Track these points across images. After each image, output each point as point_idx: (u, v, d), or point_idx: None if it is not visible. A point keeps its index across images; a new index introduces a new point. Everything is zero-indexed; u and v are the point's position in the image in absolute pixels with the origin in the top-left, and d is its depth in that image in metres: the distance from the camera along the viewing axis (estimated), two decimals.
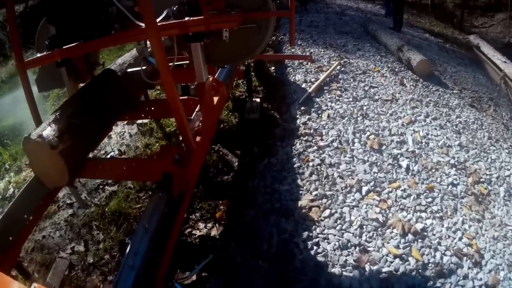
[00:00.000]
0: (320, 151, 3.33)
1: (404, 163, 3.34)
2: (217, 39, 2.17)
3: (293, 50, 6.10)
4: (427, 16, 14.03)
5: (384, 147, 3.49)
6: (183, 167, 1.88)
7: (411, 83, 5.11)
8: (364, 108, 4.12)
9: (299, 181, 3.05)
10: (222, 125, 3.89)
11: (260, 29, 2.32)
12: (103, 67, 2.69)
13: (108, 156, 3.83)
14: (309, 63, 5.42)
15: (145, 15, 1.61)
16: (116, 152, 3.90)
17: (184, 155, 1.93)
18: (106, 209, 3.02)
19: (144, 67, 2.17)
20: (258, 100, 4.13)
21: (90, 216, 3.02)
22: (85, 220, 3.00)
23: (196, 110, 2.47)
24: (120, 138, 4.13)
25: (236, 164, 3.44)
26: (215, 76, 2.98)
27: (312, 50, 6.05)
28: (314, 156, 3.26)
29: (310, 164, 3.19)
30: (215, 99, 2.55)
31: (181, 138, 2.07)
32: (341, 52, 6.14)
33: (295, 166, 3.19)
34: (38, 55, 2.18)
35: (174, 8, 1.99)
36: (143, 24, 1.83)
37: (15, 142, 4.73)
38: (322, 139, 3.49)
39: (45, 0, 2.05)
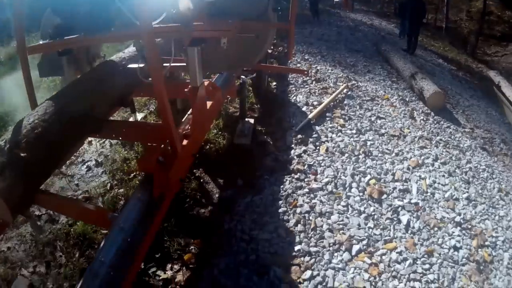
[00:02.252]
0: (311, 195, 2.79)
1: (404, 218, 2.81)
2: (214, 46, 2.14)
3: (299, 65, 5.55)
4: (440, 39, 13.37)
5: (384, 196, 2.95)
6: (166, 169, 1.78)
7: (422, 117, 4.55)
8: (368, 143, 3.57)
9: (281, 230, 2.52)
10: (208, 146, 3.37)
11: (259, 39, 2.26)
12: (104, 59, 2.55)
13: (85, 166, 3.37)
14: (314, 82, 4.87)
15: (139, 15, 1.55)
16: (93, 162, 3.42)
17: (169, 158, 1.83)
18: (72, 230, 2.62)
19: (142, 65, 2.04)
20: (251, 121, 3.61)
21: (55, 235, 2.63)
22: (49, 239, 2.62)
23: (188, 113, 2.34)
24: (100, 146, 3.63)
25: (217, 196, 2.92)
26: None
27: (319, 68, 5.49)
28: (303, 201, 2.73)
29: (298, 210, 2.65)
30: (209, 103, 2.41)
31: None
32: (349, 73, 5.58)
33: (280, 210, 2.66)
34: (41, 42, 2.09)
35: (174, 12, 1.88)
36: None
37: None
38: (315, 179, 2.94)
39: None
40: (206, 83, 2.40)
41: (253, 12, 2.17)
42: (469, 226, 2.95)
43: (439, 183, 3.34)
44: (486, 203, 3.33)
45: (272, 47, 5.75)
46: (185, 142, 2.05)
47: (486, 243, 2.86)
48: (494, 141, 4.85)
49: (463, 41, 15.20)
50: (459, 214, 3.04)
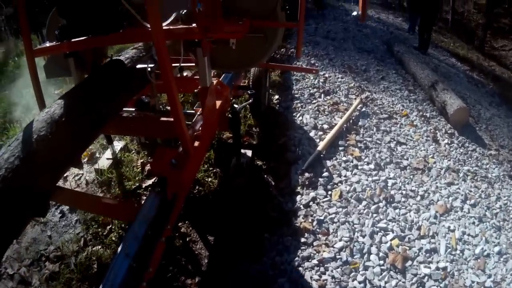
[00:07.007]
0: (322, 269, 2.15)
1: None
2: (223, 45, 2.09)
3: None
4: (448, 33, 12.46)
5: (409, 262, 2.32)
6: (179, 171, 1.71)
7: (446, 140, 3.86)
8: (389, 183, 2.90)
9: None
10: (196, 189, 2.72)
11: (267, 38, 2.20)
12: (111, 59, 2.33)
13: (58, 211, 2.72)
14: (322, 95, 4.16)
15: (151, 18, 1.39)
16: (68, 207, 2.77)
17: (181, 159, 1.75)
18: None
19: (151, 65, 1.91)
20: (249, 153, 2.93)
21: None
22: None
23: (198, 114, 2.26)
24: (76, 184, 2.96)
25: (206, 261, 2.29)
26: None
27: (327, 75, 4.76)
28: (311, 278, 2.08)
29: None
30: (218, 103, 2.32)
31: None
32: (361, 81, 4.85)
33: None
34: (47, 44, 1.98)
35: (183, 12, 1.75)
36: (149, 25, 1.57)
37: None
38: (327, 244, 2.29)
39: None
40: (214, 82, 2.31)
41: (261, 12, 2.09)
42: None
43: (469, 235, 2.71)
44: None
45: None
46: (196, 143, 1.97)
47: None
48: None
49: (470, 35, 14.26)
50: (489, 276, 2.45)
